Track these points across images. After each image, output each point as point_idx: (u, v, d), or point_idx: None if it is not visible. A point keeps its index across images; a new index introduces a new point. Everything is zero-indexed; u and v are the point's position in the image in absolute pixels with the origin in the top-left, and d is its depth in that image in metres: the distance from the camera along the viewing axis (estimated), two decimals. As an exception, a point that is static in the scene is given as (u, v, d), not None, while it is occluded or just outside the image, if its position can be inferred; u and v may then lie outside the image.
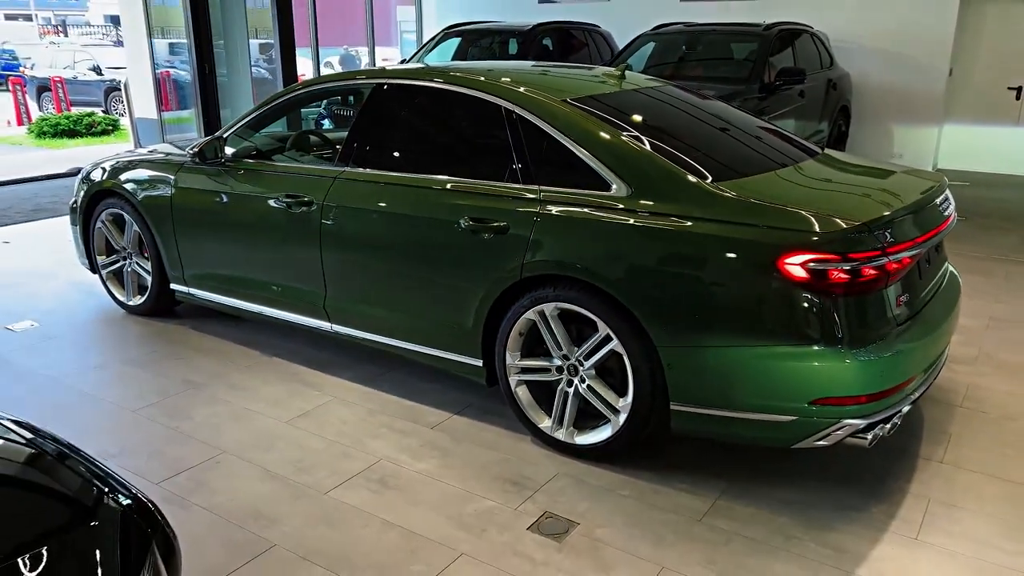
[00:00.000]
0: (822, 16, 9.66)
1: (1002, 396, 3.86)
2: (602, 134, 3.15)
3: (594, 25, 10.23)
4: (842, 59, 9.83)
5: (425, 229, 3.45)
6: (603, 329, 3.06)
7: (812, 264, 2.68)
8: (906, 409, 2.93)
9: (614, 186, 3.05)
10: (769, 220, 2.79)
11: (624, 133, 3.16)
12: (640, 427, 3.09)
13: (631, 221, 2.96)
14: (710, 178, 2.98)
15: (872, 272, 2.71)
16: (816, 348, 2.73)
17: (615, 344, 3.04)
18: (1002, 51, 9.66)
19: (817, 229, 2.71)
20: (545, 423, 3.34)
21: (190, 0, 9.25)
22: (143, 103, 10.54)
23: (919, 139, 9.93)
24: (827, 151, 3.79)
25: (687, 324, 2.88)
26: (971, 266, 5.95)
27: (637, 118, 3.45)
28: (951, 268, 3.60)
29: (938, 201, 3.18)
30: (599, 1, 11.10)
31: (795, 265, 2.70)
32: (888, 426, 2.86)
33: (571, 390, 3.24)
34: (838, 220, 2.73)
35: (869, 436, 2.80)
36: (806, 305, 2.71)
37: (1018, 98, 9.70)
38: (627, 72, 4.07)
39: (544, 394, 3.36)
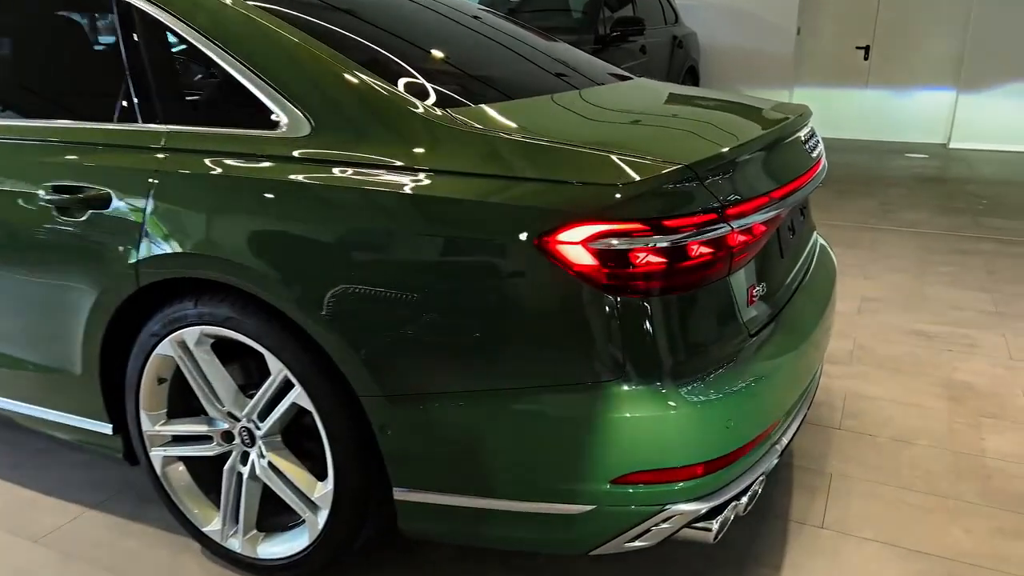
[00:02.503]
0: (663, -32, 8.77)
1: (889, 407, 2.88)
2: (273, 39, 1.85)
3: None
4: (688, 18, 8.98)
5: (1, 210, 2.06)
6: (277, 369, 1.79)
7: (602, 242, 1.51)
8: (773, 463, 1.83)
9: (285, 121, 1.77)
10: (525, 167, 1.59)
11: (320, 42, 1.86)
12: (350, 529, 1.84)
13: (301, 178, 1.69)
14: (436, 103, 1.74)
15: (706, 250, 1.57)
16: (615, 389, 1.56)
17: (298, 394, 1.78)
18: (849, 8, 9.08)
19: (606, 180, 1.54)
20: (214, 523, 2.04)
21: None
22: None
23: (770, 103, 9.24)
24: (643, 79, 2.65)
25: (404, 358, 1.65)
26: (832, 237, 5.09)
27: (362, 25, 2.17)
28: (821, 240, 2.55)
29: (802, 136, 2.10)
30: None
31: (572, 245, 1.52)
32: (746, 499, 1.74)
33: (246, 469, 1.95)
34: (643, 163, 1.57)
35: (715, 525, 1.67)
36: (595, 314, 1.54)
37: (866, 58, 9.16)
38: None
39: (218, 476, 2.05)
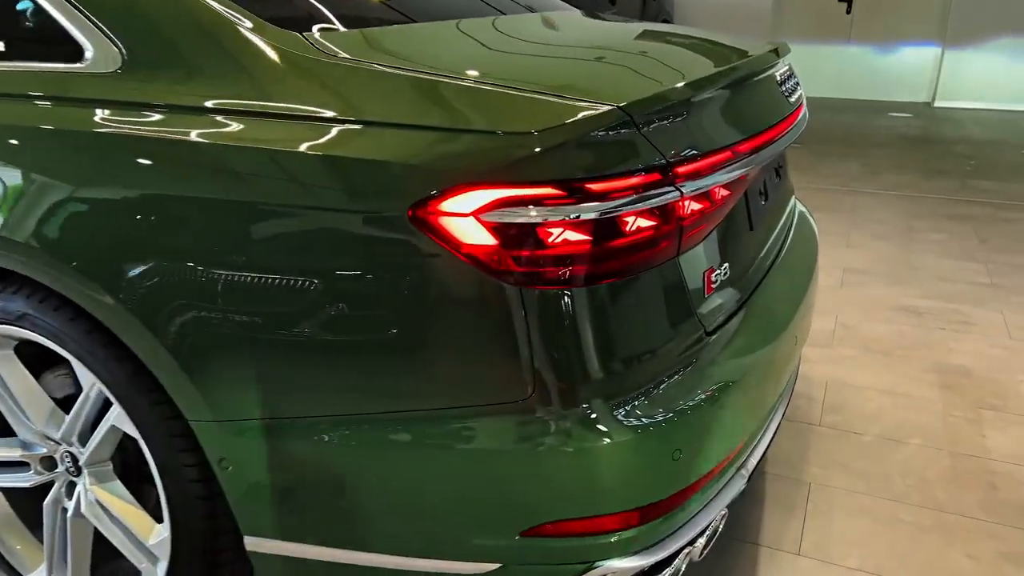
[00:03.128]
0: (635, -86, 8.22)
1: (876, 398, 2.50)
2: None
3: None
4: (660, -33, 8.46)
5: None
6: (89, 382, 1.36)
7: (501, 213, 1.08)
8: (740, 489, 1.43)
9: (89, 51, 1.31)
10: (398, 110, 1.15)
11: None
12: (200, 581, 1.43)
13: (106, 129, 1.24)
14: (291, 25, 1.29)
15: (647, 223, 1.15)
16: (523, 414, 1.15)
17: (117, 414, 1.36)
18: (830, -43, 8.61)
19: (507, 127, 1.10)
20: (39, 569, 1.62)
21: None
22: None
23: (747, 60, 8.79)
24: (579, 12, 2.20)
25: (242, 372, 1.22)
26: (811, 201, 4.70)
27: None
28: (800, 207, 2.14)
29: (777, 77, 1.67)
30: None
31: (460, 217, 1.09)
32: (704, 540, 1.35)
33: (72, 506, 1.53)
34: (559, 105, 1.13)
35: (661, 582, 1.28)
36: (494, 312, 1.12)
37: (848, 11, 8.70)
38: None
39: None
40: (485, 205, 1.08)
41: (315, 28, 1.31)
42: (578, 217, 1.10)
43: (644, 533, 1.22)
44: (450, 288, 1.12)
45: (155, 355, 1.24)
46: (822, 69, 8.89)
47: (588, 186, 1.10)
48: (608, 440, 1.15)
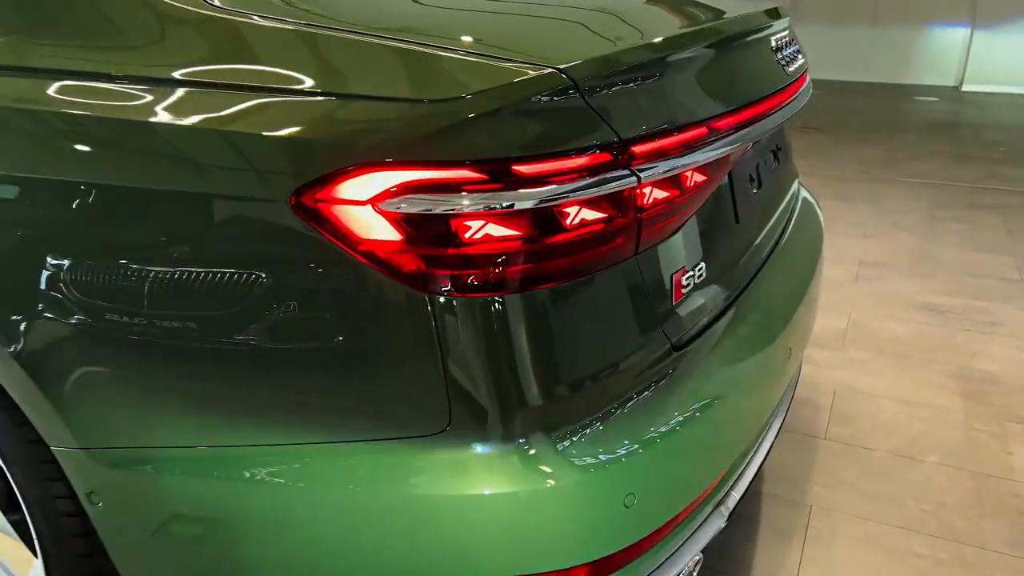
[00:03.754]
0: None
1: (889, 408, 2.26)
2: None
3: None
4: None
5: None
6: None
7: (407, 201, 0.86)
8: (719, 528, 1.21)
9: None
10: (280, 72, 0.93)
11: None
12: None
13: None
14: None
15: (594, 215, 0.93)
16: (440, 450, 0.93)
17: (-24, 433, 1.16)
18: (855, -66, 8.26)
19: (413, 93, 0.88)
20: (-80, 601, 1.43)
21: None
22: None
23: (766, 42, 8.46)
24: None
25: (107, 392, 1.01)
26: (829, 189, 4.43)
27: None
28: (805, 193, 1.90)
29: (772, 43, 1.42)
30: None
31: (354, 205, 0.87)
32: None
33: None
34: (484, 66, 0.91)
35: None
36: (399, 324, 0.90)
37: (873, -9, 8.35)
38: None
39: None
40: (386, 191, 0.86)
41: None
42: (504, 207, 0.87)
43: (594, 591, 1.00)
44: (344, 294, 0.90)
45: (12, 371, 1.03)
46: (846, 51, 8.54)
47: (516, 168, 0.87)
48: (547, 482, 0.93)
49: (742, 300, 1.28)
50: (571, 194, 0.90)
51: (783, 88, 1.34)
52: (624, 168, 0.94)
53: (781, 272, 1.44)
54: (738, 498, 1.27)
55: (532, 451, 0.94)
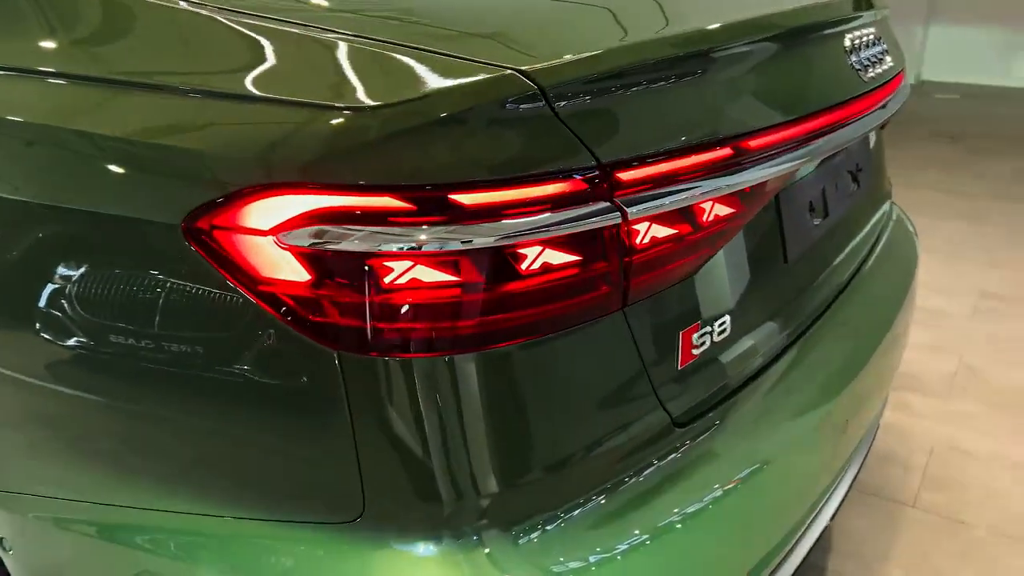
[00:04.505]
0: None
1: (999, 476, 1.92)
2: None
3: None
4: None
5: None
6: None
7: (317, 234, 0.68)
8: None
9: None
10: (186, 72, 0.78)
11: None
12: None
13: None
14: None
15: (566, 259, 0.72)
16: (350, 546, 0.75)
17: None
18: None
19: (327, 101, 0.70)
20: None
21: None
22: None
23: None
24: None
25: (3, 429, 0.90)
26: (955, 208, 3.97)
27: None
28: (899, 212, 1.61)
29: (848, 41, 1.15)
30: None
31: (255, 235, 0.70)
32: None
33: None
34: (428, 65, 0.72)
35: None
36: (304, 385, 0.73)
37: (1019, -12, 7.55)
38: None
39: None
40: (291, 219, 0.69)
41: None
42: (437, 247, 0.68)
43: None
44: (239, 341, 0.74)
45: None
46: (982, 53, 7.79)
47: (455, 198, 0.68)
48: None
49: (786, 359, 1.04)
50: (529, 233, 0.70)
51: (857, 97, 1.08)
52: (604, 200, 0.73)
53: (847, 320, 1.18)
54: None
55: (458, 548, 0.75)
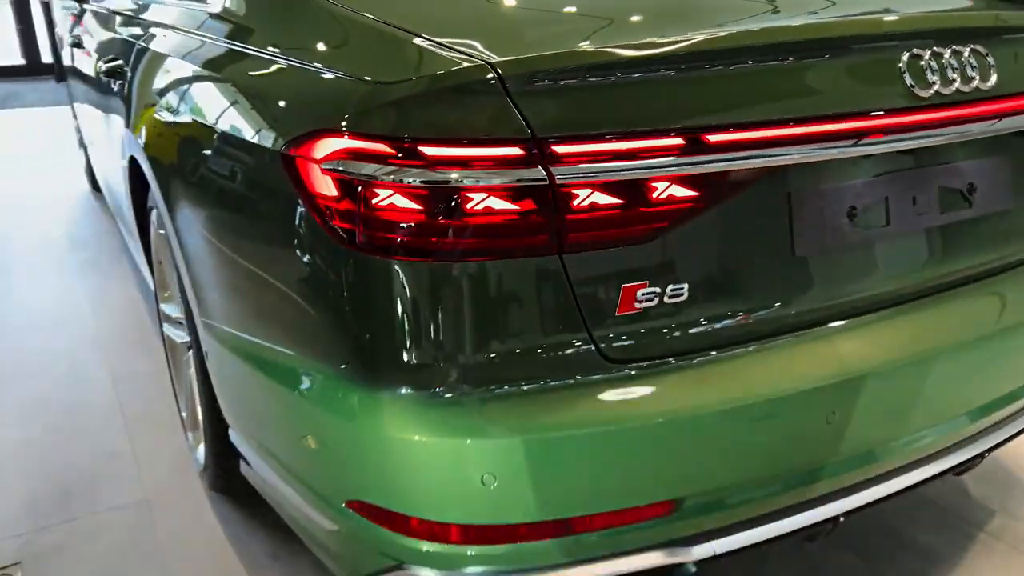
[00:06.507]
0: None
1: None
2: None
3: None
4: None
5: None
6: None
7: (340, 164, 1.03)
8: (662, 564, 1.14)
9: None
10: (309, 48, 1.18)
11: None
12: (222, 457, 1.66)
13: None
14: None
15: (504, 207, 0.99)
16: (338, 381, 1.09)
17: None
18: None
19: (366, 75, 1.04)
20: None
21: None
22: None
23: None
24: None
25: (209, 275, 1.40)
26: None
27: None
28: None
29: (904, 59, 1.15)
30: None
31: (312, 163, 1.07)
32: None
33: (192, 371, 1.90)
34: (432, 54, 1.02)
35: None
36: (322, 270, 1.09)
37: None
38: None
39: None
40: (330, 154, 1.04)
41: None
42: (409, 182, 0.99)
43: (463, 557, 1.07)
44: (298, 233, 1.11)
45: (179, 247, 1.48)
46: None
47: (421, 148, 0.98)
48: (404, 433, 1.03)
49: (780, 341, 1.14)
50: (474, 181, 0.97)
51: (911, 109, 1.12)
52: (536, 165, 0.96)
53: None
54: (726, 548, 1.15)
55: (395, 401, 1.03)
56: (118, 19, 2.27)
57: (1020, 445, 2.08)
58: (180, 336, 1.93)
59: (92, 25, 2.72)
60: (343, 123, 1.02)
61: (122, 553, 1.71)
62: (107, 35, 2.34)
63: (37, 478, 1.96)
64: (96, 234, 3.79)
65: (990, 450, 1.39)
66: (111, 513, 1.83)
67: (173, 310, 1.98)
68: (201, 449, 1.82)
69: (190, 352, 1.79)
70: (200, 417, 1.70)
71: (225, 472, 1.68)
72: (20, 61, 8.87)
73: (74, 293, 3.08)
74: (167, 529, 1.78)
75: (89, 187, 4.50)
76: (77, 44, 2.95)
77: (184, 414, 2.00)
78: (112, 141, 2.22)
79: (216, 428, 1.58)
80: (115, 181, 2.42)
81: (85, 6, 2.93)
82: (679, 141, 1.00)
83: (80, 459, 2.03)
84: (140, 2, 2.14)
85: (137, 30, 1.97)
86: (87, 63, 2.75)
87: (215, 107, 1.32)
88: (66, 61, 3.67)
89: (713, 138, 1.01)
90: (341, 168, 1.02)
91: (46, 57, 8.67)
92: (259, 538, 1.75)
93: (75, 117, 4.37)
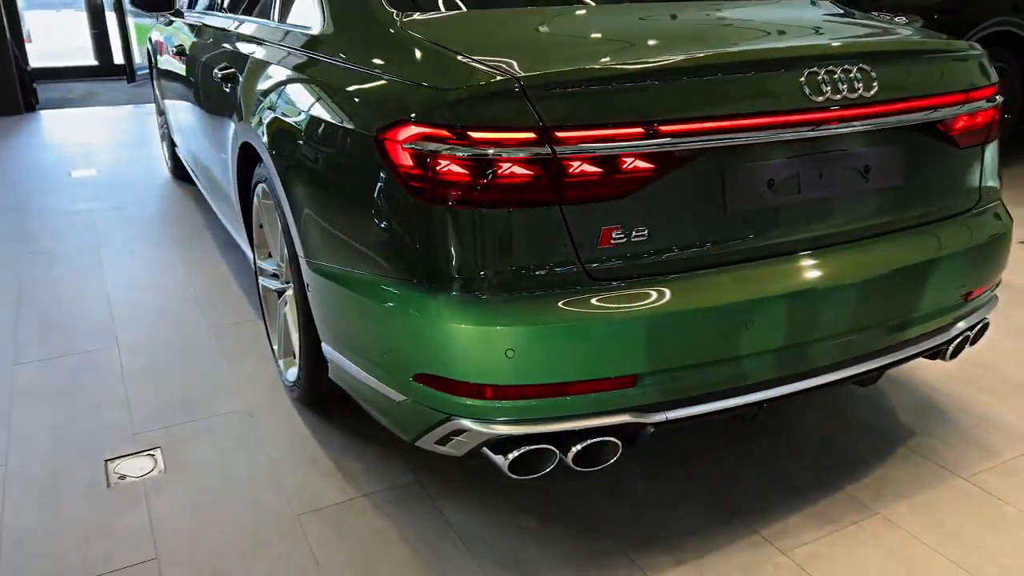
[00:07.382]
0: None
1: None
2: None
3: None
4: None
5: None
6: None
7: (416, 144, 1.55)
8: (626, 422, 1.63)
9: (319, 21, 2.13)
10: (399, 64, 1.73)
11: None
12: (314, 369, 2.20)
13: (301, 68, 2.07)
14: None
15: (523, 172, 1.50)
16: (413, 292, 1.62)
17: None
18: None
19: (435, 83, 1.58)
20: (275, 346, 2.60)
21: None
22: None
23: None
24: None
25: (313, 224, 1.93)
26: None
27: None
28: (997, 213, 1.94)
29: (805, 73, 1.65)
30: None
31: (396, 144, 1.60)
32: (575, 452, 1.63)
33: (286, 308, 2.44)
34: (476, 70, 1.55)
35: (508, 458, 1.62)
36: (404, 217, 1.62)
37: None
38: None
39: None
40: (409, 136, 1.57)
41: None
42: (459, 155, 1.51)
43: (488, 408, 1.59)
44: (385, 191, 1.63)
45: (290, 207, 2.02)
46: None
47: (469, 133, 1.50)
48: (455, 323, 1.55)
49: (717, 271, 1.64)
50: (504, 153, 1.48)
51: (805, 110, 1.62)
52: (545, 145, 1.48)
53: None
54: (675, 416, 1.65)
55: (451, 303, 1.55)
56: (229, 34, 2.84)
57: (941, 377, 2.54)
58: (274, 284, 2.49)
59: (196, 37, 3.32)
60: (417, 115, 1.55)
61: (235, 441, 2.26)
62: (217, 47, 2.91)
63: (163, 394, 2.53)
64: (179, 212, 4.39)
65: (883, 368, 1.87)
66: (221, 417, 2.39)
67: (269, 265, 2.54)
68: (292, 371, 2.37)
69: (286, 293, 2.34)
70: (296, 342, 2.25)
71: (314, 382, 2.22)
72: (93, 62, 9.63)
73: (170, 260, 3.67)
74: (266, 428, 2.33)
75: (169, 174, 5.11)
76: (180, 52, 3.54)
77: (275, 347, 2.55)
78: (218, 132, 2.79)
79: (310, 346, 2.12)
80: (216, 165, 2.99)
81: (182, 21, 3.53)
82: (641, 130, 1.50)
83: (192, 381, 2.60)
84: (246, 20, 2.71)
85: (251, 45, 2.52)
86: (189, 69, 3.33)
87: (320, 105, 1.86)
88: (161, 66, 4.28)
89: (665, 128, 1.52)
90: (415, 146, 1.55)
91: (117, 58, 9.41)
92: (335, 436, 2.29)
93: (160, 114, 4.99)
